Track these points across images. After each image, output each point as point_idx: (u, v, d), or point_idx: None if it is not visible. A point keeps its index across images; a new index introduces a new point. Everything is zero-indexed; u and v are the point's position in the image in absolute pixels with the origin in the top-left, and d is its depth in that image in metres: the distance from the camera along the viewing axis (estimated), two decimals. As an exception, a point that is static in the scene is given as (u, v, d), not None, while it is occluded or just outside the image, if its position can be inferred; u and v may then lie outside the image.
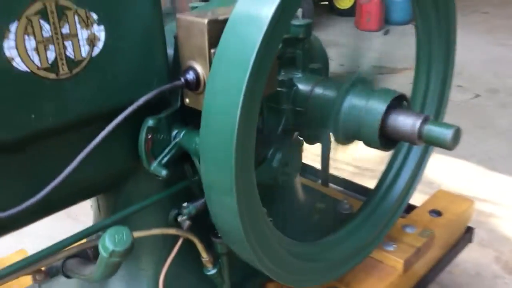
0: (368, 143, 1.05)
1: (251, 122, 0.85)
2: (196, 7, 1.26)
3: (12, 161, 0.82)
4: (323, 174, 1.72)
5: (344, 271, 1.29)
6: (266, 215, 0.99)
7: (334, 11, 6.85)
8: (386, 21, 6.10)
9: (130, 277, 1.16)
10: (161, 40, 0.93)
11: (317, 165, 1.72)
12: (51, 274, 1.06)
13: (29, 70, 0.76)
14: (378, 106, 1.00)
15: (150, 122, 0.95)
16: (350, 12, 6.52)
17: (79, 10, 0.79)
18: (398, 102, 1.02)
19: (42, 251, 0.90)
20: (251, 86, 0.80)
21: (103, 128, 0.85)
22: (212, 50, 0.89)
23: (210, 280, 1.17)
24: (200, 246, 1.11)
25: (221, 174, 0.87)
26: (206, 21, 0.87)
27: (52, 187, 0.79)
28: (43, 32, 0.76)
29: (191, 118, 1.02)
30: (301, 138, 1.27)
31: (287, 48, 1.15)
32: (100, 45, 0.83)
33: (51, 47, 0.77)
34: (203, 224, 1.07)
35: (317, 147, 1.30)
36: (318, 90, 1.12)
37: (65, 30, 0.78)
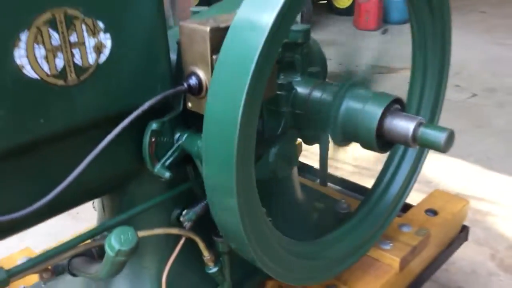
0: (365, 146, 1.08)
1: (251, 125, 0.87)
2: (197, 12, 1.29)
3: (22, 164, 0.85)
4: (322, 174, 1.75)
5: (342, 269, 1.31)
6: (266, 215, 1.01)
7: (333, 10, 6.86)
8: (384, 20, 6.13)
9: (134, 275, 1.18)
10: (164, 46, 0.96)
11: (317, 164, 1.74)
12: (57, 272, 1.09)
13: (39, 77, 0.79)
14: (375, 110, 1.03)
15: (154, 125, 0.98)
16: (348, 11, 6.53)
17: (87, 19, 0.81)
18: (394, 106, 1.05)
19: (51, 250, 0.93)
20: (252, 90, 0.82)
21: (109, 131, 0.88)
22: (214, 56, 0.92)
23: (212, 278, 1.19)
24: (201, 245, 1.13)
25: (222, 176, 0.89)
26: (208, 29, 0.90)
27: (62, 188, 0.82)
28: (52, 41, 0.78)
29: (193, 121, 1.04)
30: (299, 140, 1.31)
31: (286, 52, 1.17)
32: (106, 52, 0.86)
33: (60, 55, 0.80)
34: (205, 224, 1.10)
35: (317, 147, 1.33)
36: (317, 94, 1.15)
37: (73, 38, 0.81)
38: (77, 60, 0.83)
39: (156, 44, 0.94)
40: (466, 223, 1.73)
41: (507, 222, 2.35)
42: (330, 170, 1.75)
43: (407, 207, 1.63)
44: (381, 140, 1.05)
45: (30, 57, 0.77)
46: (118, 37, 0.87)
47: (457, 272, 2.04)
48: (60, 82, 0.82)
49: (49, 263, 0.97)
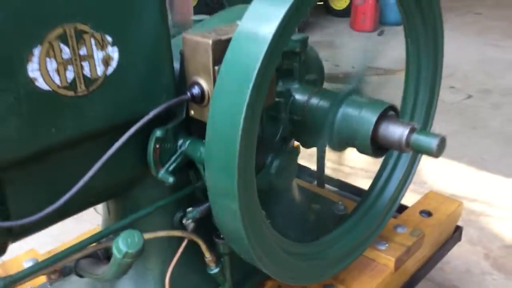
0: (361, 151, 1.12)
1: (252, 132, 0.90)
2: (199, 20, 1.33)
3: (33, 171, 0.89)
4: (319, 176, 1.79)
5: (340, 269, 1.34)
6: (265, 217, 1.05)
7: (330, 11, 6.90)
8: (381, 22, 6.17)
9: (138, 276, 1.21)
10: (168, 57, 1.00)
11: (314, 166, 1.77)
12: (64, 273, 1.12)
13: (50, 89, 0.82)
14: (370, 116, 1.07)
15: (158, 133, 1.01)
16: (345, 13, 6.57)
17: (95, 33, 0.85)
18: (388, 112, 1.09)
19: (61, 252, 0.97)
20: (253, 99, 0.86)
21: (116, 139, 0.91)
22: (216, 67, 0.96)
23: (213, 279, 1.22)
24: (203, 247, 1.16)
25: (224, 180, 0.92)
26: (210, 41, 0.94)
27: (72, 194, 0.86)
28: (63, 55, 0.82)
29: (195, 128, 1.08)
30: (297, 143, 1.35)
31: (285, 60, 1.20)
32: (114, 64, 0.90)
33: (70, 67, 0.84)
34: (206, 226, 1.13)
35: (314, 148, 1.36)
36: (314, 101, 1.19)
37: (83, 52, 0.85)
38: (86, 72, 0.86)
39: (161, 55, 0.98)
40: (460, 223, 1.76)
41: (500, 222, 2.39)
42: (327, 172, 1.79)
43: (402, 208, 1.67)
44: (376, 145, 1.09)
45: (42, 71, 0.80)
46: (125, 50, 0.91)
47: (452, 271, 2.08)
48: (70, 93, 0.85)
49: (58, 265, 1.00)
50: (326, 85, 1.47)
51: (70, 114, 0.87)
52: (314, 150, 1.55)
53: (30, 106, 0.81)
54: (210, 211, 1.06)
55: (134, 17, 0.91)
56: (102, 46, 0.87)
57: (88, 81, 0.87)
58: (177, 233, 1.13)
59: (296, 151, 1.28)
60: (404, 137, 1.03)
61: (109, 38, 0.88)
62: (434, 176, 2.73)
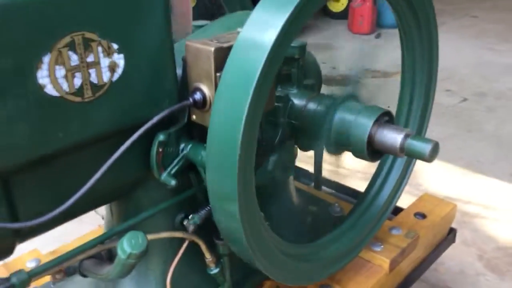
0: (357, 154, 1.15)
1: (252, 137, 0.93)
2: (200, 26, 1.36)
3: (41, 174, 0.92)
4: (316, 179, 1.82)
5: (336, 270, 1.37)
6: (264, 219, 1.08)
7: (328, 13, 6.92)
8: (378, 24, 6.19)
9: (140, 276, 1.24)
10: (171, 64, 1.03)
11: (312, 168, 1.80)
12: (68, 273, 1.14)
13: (58, 95, 0.85)
14: (366, 121, 1.10)
15: (161, 137, 1.04)
16: (343, 15, 6.59)
17: (102, 41, 0.88)
18: (383, 118, 1.13)
19: (67, 253, 1.00)
20: (253, 105, 0.89)
21: (120, 142, 0.94)
22: (218, 74, 0.99)
23: (213, 279, 1.25)
24: (204, 248, 1.19)
25: (225, 183, 0.95)
26: (212, 49, 0.97)
27: (78, 196, 0.89)
28: (71, 62, 0.85)
29: (197, 133, 1.11)
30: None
31: (284, 66, 1.23)
32: (119, 71, 0.93)
33: (78, 74, 0.87)
34: (207, 227, 1.16)
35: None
36: (312, 105, 1.22)
37: (90, 59, 0.88)
38: (93, 78, 0.89)
39: (164, 62, 1.01)
40: (455, 225, 1.79)
41: (495, 224, 2.41)
42: (324, 174, 1.82)
43: (397, 210, 1.69)
44: (372, 150, 1.12)
45: (51, 77, 0.83)
46: (130, 57, 0.94)
47: (446, 272, 2.11)
48: (78, 99, 0.88)
49: (63, 265, 1.03)
50: (323, 87, 1.50)
51: (77, 119, 0.90)
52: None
53: (39, 112, 0.84)
54: (210, 215, 1.09)
55: (139, 25, 0.94)
56: (108, 53, 0.90)
57: (94, 87, 0.90)
58: (178, 234, 1.16)
59: (292, 146, 1.29)
60: (399, 143, 1.06)
61: (115, 46, 0.91)
62: (429, 178, 2.76)
